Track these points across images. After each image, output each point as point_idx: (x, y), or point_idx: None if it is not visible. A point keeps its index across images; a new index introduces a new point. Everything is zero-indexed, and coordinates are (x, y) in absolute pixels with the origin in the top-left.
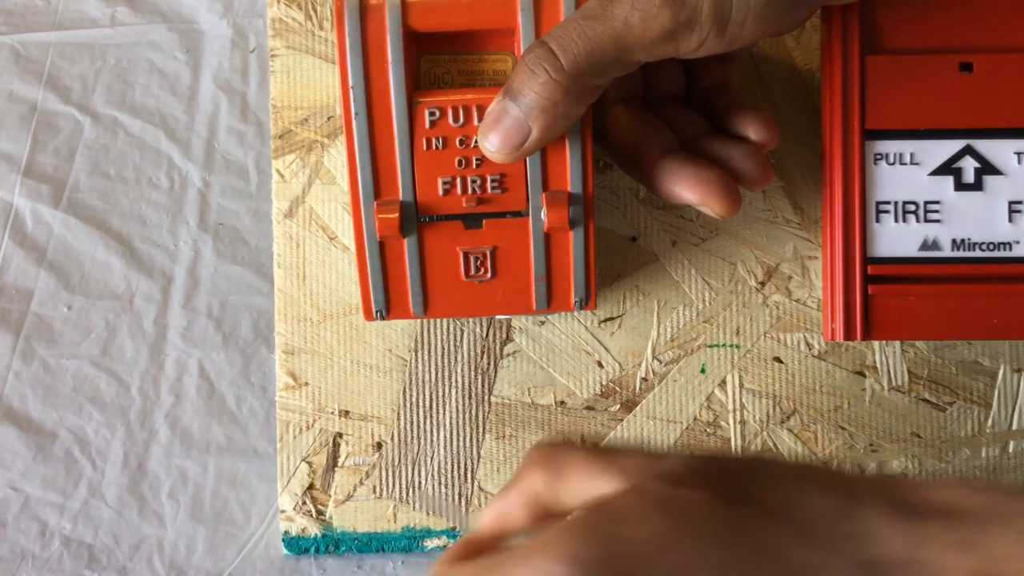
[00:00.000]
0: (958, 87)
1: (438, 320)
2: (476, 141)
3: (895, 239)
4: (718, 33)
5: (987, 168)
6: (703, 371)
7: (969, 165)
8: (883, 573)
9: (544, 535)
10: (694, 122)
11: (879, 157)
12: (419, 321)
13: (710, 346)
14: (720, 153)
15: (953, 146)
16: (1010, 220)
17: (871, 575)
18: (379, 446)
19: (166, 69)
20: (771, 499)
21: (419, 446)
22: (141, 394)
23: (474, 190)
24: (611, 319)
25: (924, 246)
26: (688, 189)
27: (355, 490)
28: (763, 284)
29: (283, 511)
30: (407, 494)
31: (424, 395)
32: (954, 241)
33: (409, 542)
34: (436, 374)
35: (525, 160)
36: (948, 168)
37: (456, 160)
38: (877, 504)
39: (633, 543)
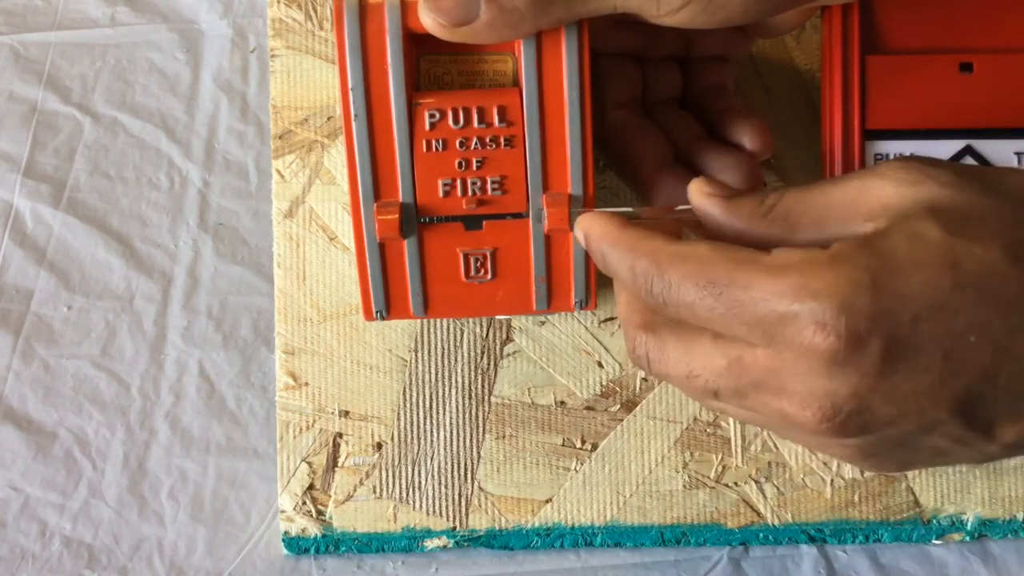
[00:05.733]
0: (958, 87)
1: (438, 320)
2: (475, 142)
3: None
4: None
5: None
6: None
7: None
8: None
9: (805, 259)
10: (690, 126)
11: (879, 157)
12: (419, 321)
13: None
14: (713, 162)
15: (953, 146)
16: None
17: None
18: (379, 446)
19: (166, 69)
20: None
21: (419, 446)
22: (141, 394)
23: (474, 192)
24: (611, 319)
25: None
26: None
27: (355, 490)
28: None
29: (283, 511)
30: (407, 494)
31: (424, 395)
32: None
33: (409, 542)
34: (436, 374)
35: (525, 161)
36: None
37: (456, 162)
38: None
39: (910, 301)
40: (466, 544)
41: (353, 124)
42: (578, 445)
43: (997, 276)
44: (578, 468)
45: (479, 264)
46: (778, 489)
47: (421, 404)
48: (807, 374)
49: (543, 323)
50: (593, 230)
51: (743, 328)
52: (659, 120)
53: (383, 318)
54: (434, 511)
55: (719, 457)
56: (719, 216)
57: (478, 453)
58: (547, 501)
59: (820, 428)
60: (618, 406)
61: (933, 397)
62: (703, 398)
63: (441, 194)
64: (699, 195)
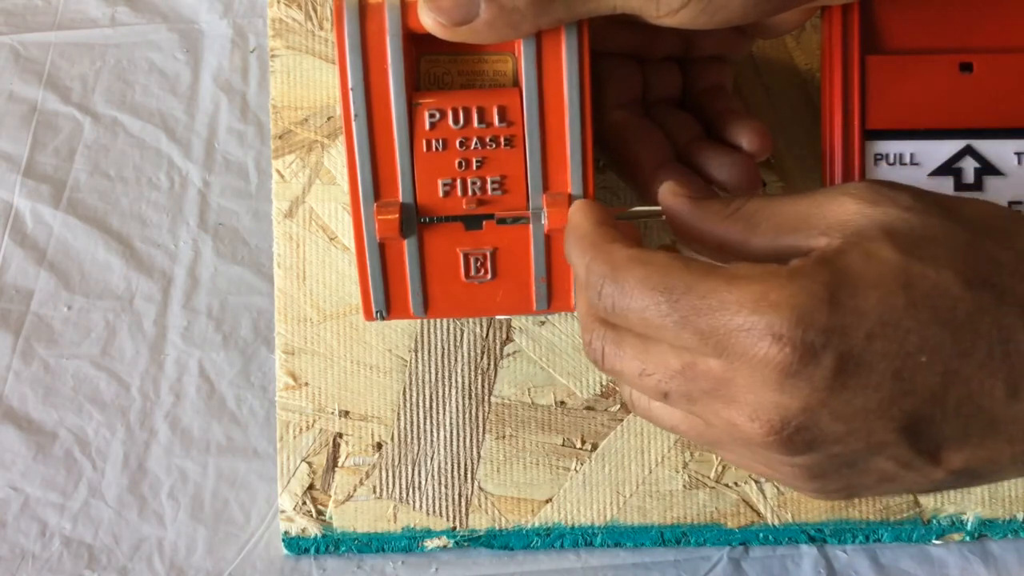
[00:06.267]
0: (958, 87)
1: (438, 320)
2: (475, 142)
3: None
4: None
5: (987, 168)
6: None
7: (969, 165)
8: None
9: (766, 272)
10: (689, 126)
11: (879, 157)
12: (419, 321)
13: None
14: (711, 162)
15: (953, 146)
16: None
17: None
18: (379, 446)
19: (166, 69)
20: (1015, 287)
21: (419, 446)
22: (141, 394)
23: (474, 192)
24: None
25: None
26: None
27: (355, 490)
28: None
29: (283, 511)
30: (407, 494)
31: (424, 395)
32: None
33: (409, 542)
34: (436, 374)
35: (525, 161)
36: (948, 168)
37: (456, 162)
38: None
39: (865, 317)
40: (466, 544)
41: (353, 124)
42: (578, 445)
43: (949, 299)
44: (578, 468)
45: (479, 264)
46: (778, 489)
47: (421, 404)
48: (759, 385)
49: (543, 323)
50: (574, 217)
51: (694, 338)
52: (658, 120)
53: (383, 318)
54: (434, 511)
55: (719, 457)
56: (686, 216)
57: (478, 453)
58: (547, 501)
59: (767, 441)
60: (618, 406)
61: (882, 415)
62: (643, 399)
63: (441, 194)
64: (669, 195)
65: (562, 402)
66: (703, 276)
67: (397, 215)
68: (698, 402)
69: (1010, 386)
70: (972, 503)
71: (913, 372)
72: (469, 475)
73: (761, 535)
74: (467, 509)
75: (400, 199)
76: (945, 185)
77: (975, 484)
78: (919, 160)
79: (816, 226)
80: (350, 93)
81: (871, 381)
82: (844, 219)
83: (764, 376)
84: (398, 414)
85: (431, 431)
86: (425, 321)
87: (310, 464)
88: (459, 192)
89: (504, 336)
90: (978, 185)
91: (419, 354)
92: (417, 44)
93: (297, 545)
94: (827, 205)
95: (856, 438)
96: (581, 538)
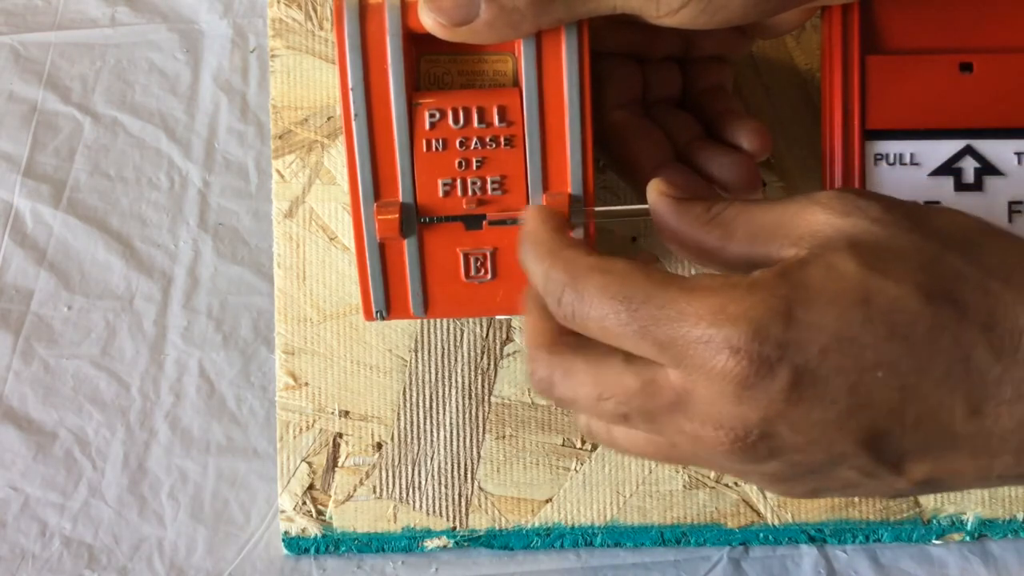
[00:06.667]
0: (958, 87)
1: (438, 320)
2: (475, 142)
3: None
4: None
5: (987, 168)
6: None
7: (969, 165)
8: None
9: (726, 283)
10: (689, 126)
11: (879, 157)
12: (419, 321)
13: None
14: (711, 161)
15: (953, 146)
16: (1010, 220)
17: None
18: (379, 446)
19: (166, 69)
20: (977, 303)
21: (419, 446)
22: (141, 394)
23: (474, 191)
24: None
25: None
26: None
27: (355, 490)
28: None
29: (283, 511)
30: (407, 494)
31: (424, 395)
32: None
33: (409, 542)
34: (436, 374)
35: (525, 161)
36: (948, 168)
37: (456, 162)
38: None
39: (821, 331)
40: (466, 544)
41: (353, 124)
42: (578, 445)
43: (908, 314)
44: (578, 468)
45: (479, 264)
46: None
47: (421, 404)
48: (718, 397)
49: None
50: (528, 223)
51: (653, 348)
52: (658, 120)
53: (383, 318)
54: (434, 511)
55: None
56: (667, 216)
57: (478, 453)
58: (547, 501)
59: (732, 449)
60: None
61: (840, 428)
62: (602, 426)
63: (441, 194)
64: (655, 193)
65: None
66: (663, 286)
67: (397, 215)
68: (659, 419)
69: (971, 403)
70: (972, 503)
71: (870, 387)
72: (469, 475)
73: (761, 535)
74: (467, 509)
75: (400, 199)
76: (945, 185)
77: (943, 491)
78: (919, 160)
79: (787, 236)
80: (350, 93)
81: (827, 395)
82: (813, 229)
83: (722, 388)
84: (398, 414)
85: (431, 431)
86: (425, 321)
87: (310, 464)
88: (459, 192)
89: (504, 336)
90: (978, 185)
91: (419, 354)
92: (417, 44)
93: (297, 545)
94: (799, 215)
95: (817, 448)
96: (581, 538)
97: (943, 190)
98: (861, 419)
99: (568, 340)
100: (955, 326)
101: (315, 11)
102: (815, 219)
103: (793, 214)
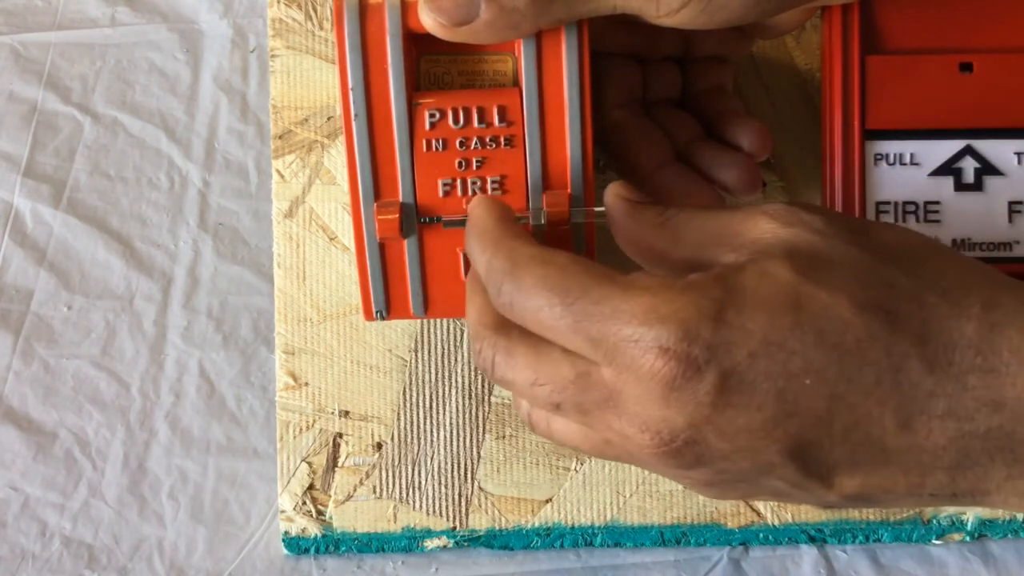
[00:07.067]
0: (958, 87)
1: (438, 320)
2: (475, 142)
3: None
4: None
5: (987, 168)
6: None
7: (969, 165)
8: (1008, 415)
9: (660, 284)
10: (689, 126)
11: (879, 157)
12: (419, 321)
13: None
14: (711, 162)
15: (953, 146)
16: (1010, 220)
17: (995, 415)
18: (379, 446)
19: (166, 69)
20: (912, 315)
21: (419, 446)
22: (141, 394)
23: (474, 191)
24: None
25: None
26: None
27: (355, 490)
28: None
29: (283, 511)
30: (407, 494)
31: (424, 395)
32: (954, 241)
33: (409, 542)
34: (436, 374)
35: (525, 161)
36: (948, 168)
37: (456, 162)
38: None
39: (750, 336)
40: (466, 544)
41: (353, 124)
42: None
43: (838, 323)
44: (578, 468)
45: None
46: None
47: (421, 404)
48: (645, 397)
49: None
50: (474, 212)
51: (586, 343)
52: (658, 120)
53: (383, 318)
54: (434, 511)
55: None
56: (622, 217)
57: (478, 453)
58: (547, 501)
59: (658, 452)
60: None
61: (767, 436)
62: (541, 414)
63: (441, 194)
64: (611, 195)
65: None
66: (600, 282)
67: (397, 215)
68: (590, 414)
69: (901, 417)
70: None
71: (797, 394)
72: (469, 475)
73: (761, 535)
74: (467, 509)
75: (400, 199)
76: (945, 185)
77: (874, 507)
78: (919, 160)
79: (730, 243)
80: (350, 93)
81: (754, 400)
82: (755, 237)
83: (650, 388)
84: (398, 414)
85: (431, 431)
86: (425, 321)
87: (310, 464)
88: (459, 192)
89: None
90: (978, 185)
91: (419, 354)
92: (417, 44)
93: (297, 545)
94: (744, 223)
95: (742, 457)
96: (581, 538)
97: (943, 190)
98: (788, 427)
99: (513, 323)
100: (887, 337)
101: (315, 11)
102: (759, 228)
103: (739, 222)
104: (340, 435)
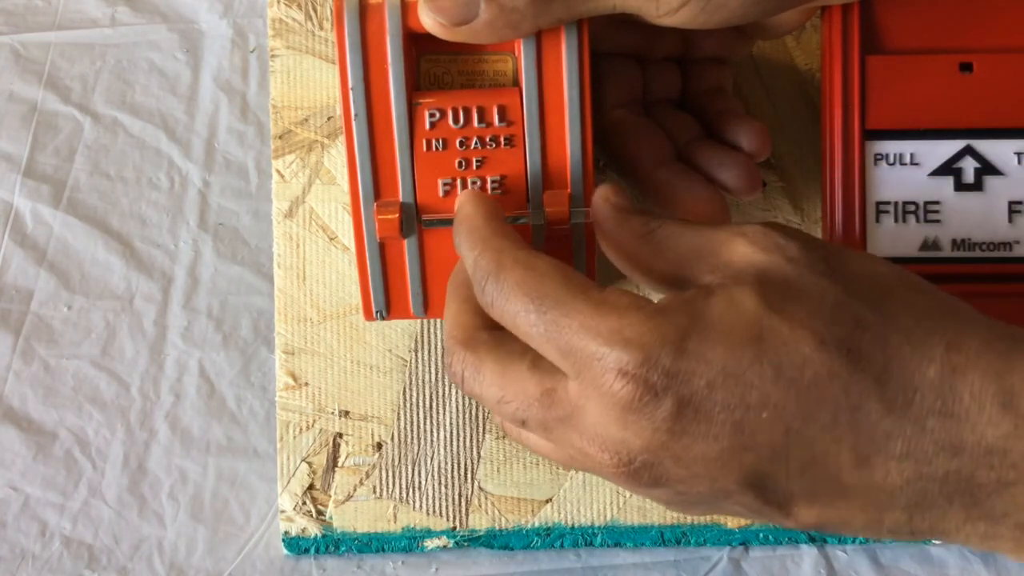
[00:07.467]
0: (958, 87)
1: (438, 320)
2: (475, 142)
3: (895, 240)
4: None
5: (987, 168)
6: None
7: (969, 165)
8: (967, 459)
9: (631, 305)
10: (689, 126)
11: (879, 157)
12: (419, 321)
13: None
14: (711, 161)
15: (953, 146)
16: (1010, 220)
17: (953, 459)
18: (379, 446)
19: (166, 69)
20: (874, 354)
21: (419, 446)
22: (141, 394)
23: None
24: None
25: (924, 246)
26: (677, 206)
27: (355, 490)
28: None
29: (283, 511)
30: (407, 494)
31: (424, 395)
32: (954, 241)
33: (409, 542)
34: (436, 374)
35: (525, 161)
36: (948, 168)
37: (456, 161)
38: (986, 382)
39: (709, 365)
40: (466, 544)
41: (353, 124)
42: None
43: (798, 358)
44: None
45: None
46: None
47: (421, 404)
48: (605, 418)
49: None
50: (464, 208)
51: (556, 353)
52: (658, 121)
53: (383, 318)
54: (434, 511)
55: None
56: (607, 223)
57: (478, 453)
58: (547, 501)
59: (617, 472)
60: None
61: (723, 466)
62: (511, 425)
63: (441, 194)
64: (599, 199)
65: None
66: (575, 294)
67: (397, 215)
68: (554, 431)
69: (858, 455)
70: None
71: (754, 427)
72: (469, 475)
73: (761, 535)
74: (467, 509)
75: (400, 199)
76: (945, 185)
77: (837, 534)
78: (919, 160)
79: (708, 263)
80: (350, 93)
81: (711, 430)
82: (731, 259)
83: (609, 409)
84: (398, 414)
85: (431, 431)
86: (425, 321)
87: (310, 464)
88: (459, 192)
89: None
90: (978, 185)
91: (419, 354)
92: (417, 44)
93: (297, 545)
94: (723, 244)
95: (699, 482)
96: (581, 538)
97: (943, 190)
98: (744, 459)
99: (483, 337)
100: (847, 376)
101: (315, 11)
102: (736, 250)
103: (719, 243)
104: (340, 435)
